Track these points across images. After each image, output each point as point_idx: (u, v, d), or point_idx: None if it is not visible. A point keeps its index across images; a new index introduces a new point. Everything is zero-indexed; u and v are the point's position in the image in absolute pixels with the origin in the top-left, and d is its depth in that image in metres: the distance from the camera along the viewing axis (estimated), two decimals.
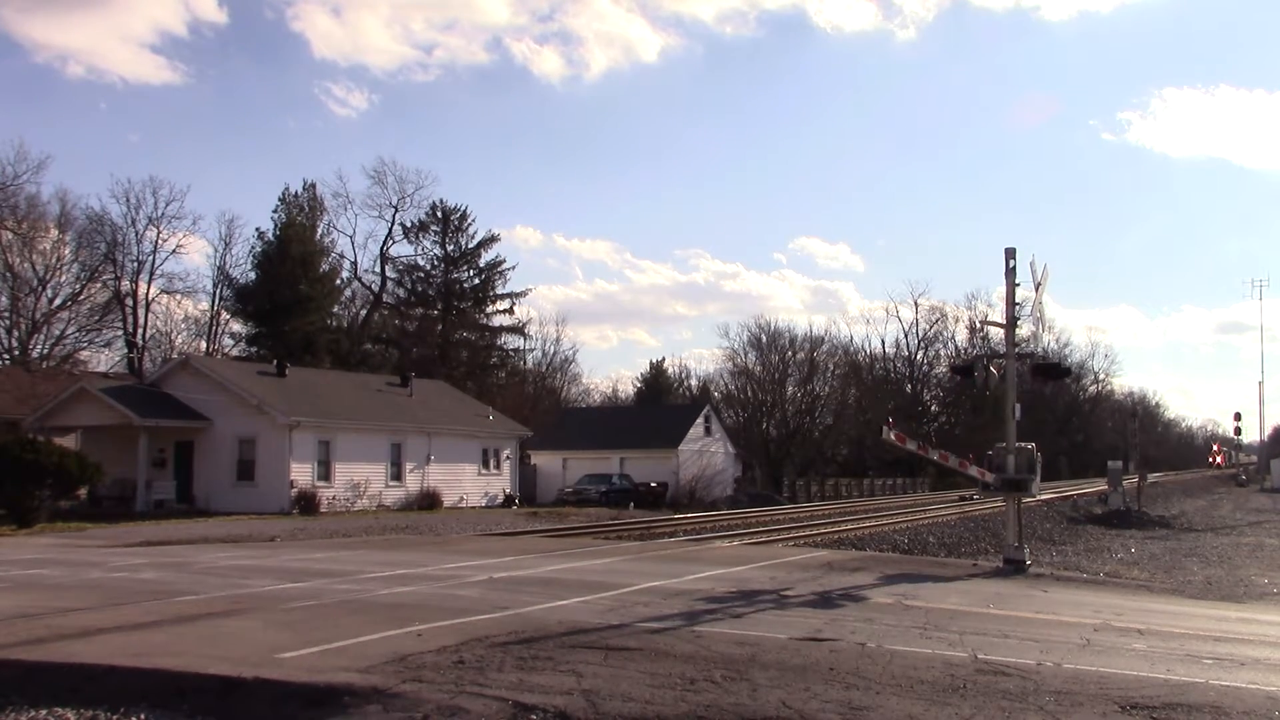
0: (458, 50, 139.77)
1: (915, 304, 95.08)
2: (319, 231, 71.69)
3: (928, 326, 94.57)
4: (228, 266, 67.74)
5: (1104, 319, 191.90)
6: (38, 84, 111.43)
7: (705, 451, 60.09)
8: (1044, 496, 34.95)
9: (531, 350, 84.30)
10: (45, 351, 59.36)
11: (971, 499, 38.03)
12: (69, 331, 61.42)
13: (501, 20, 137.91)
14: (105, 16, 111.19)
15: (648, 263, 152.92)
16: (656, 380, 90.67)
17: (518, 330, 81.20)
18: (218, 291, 67.76)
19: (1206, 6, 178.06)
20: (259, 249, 65.88)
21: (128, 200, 65.90)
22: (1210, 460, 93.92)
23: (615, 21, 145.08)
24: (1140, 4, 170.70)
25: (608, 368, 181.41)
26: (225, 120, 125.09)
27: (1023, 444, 19.18)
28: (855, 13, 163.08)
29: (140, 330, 63.73)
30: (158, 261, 64.25)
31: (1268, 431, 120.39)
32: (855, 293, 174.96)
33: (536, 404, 75.01)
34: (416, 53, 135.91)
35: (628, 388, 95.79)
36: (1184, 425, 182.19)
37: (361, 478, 40.35)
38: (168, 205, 64.41)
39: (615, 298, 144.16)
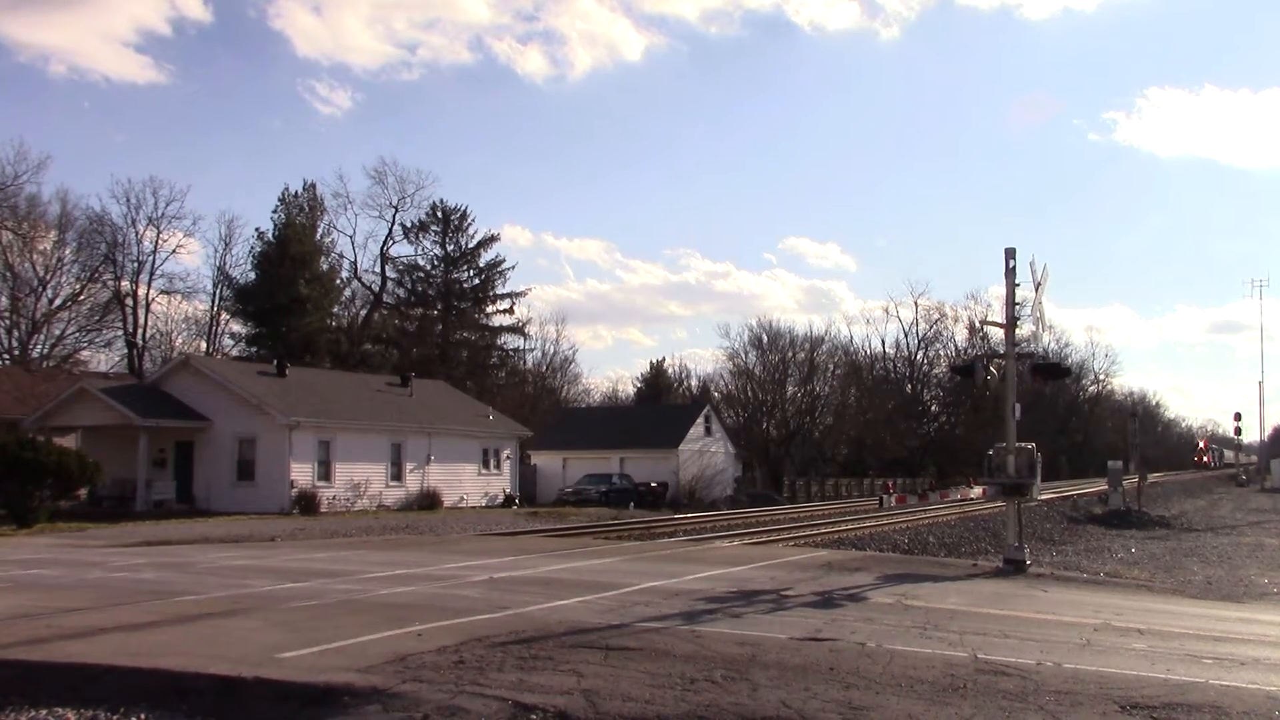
0: (440, 49, 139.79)
1: (915, 304, 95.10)
2: (319, 231, 71.75)
3: (927, 326, 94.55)
4: (227, 267, 67.89)
5: (1098, 318, 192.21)
6: (22, 84, 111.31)
7: (705, 451, 60.09)
8: (1044, 496, 34.92)
9: (531, 350, 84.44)
10: (45, 351, 59.41)
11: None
12: (69, 331, 61.55)
13: (484, 19, 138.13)
14: (86, 15, 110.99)
15: (638, 262, 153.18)
16: (656, 380, 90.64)
17: (518, 330, 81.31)
18: (218, 292, 67.88)
19: (1190, 5, 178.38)
20: (258, 249, 65.95)
21: (128, 200, 66.02)
22: (1196, 459, 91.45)
23: (599, 21, 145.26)
24: (1124, 2, 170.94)
25: (605, 368, 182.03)
26: (213, 119, 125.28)
27: (1023, 444, 19.16)
28: (836, 11, 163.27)
29: (140, 330, 63.80)
30: (158, 262, 64.42)
31: (1268, 431, 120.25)
32: (849, 292, 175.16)
33: (536, 404, 75.01)
34: (399, 52, 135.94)
35: (627, 388, 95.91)
36: (1183, 425, 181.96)
37: (361, 478, 40.35)
38: (167, 205, 64.59)
39: (608, 297, 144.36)
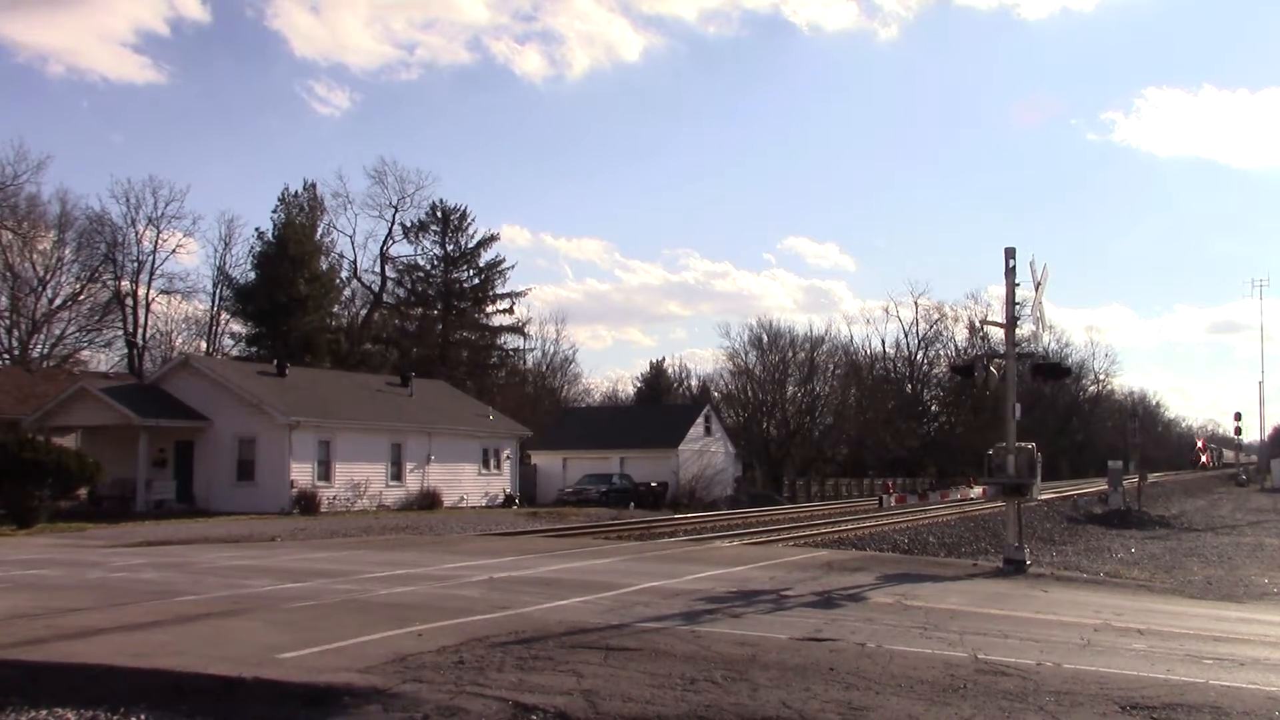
0: (439, 50, 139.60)
1: (915, 304, 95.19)
2: (319, 231, 71.75)
3: (927, 326, 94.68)
4: (227, 267, 67.92)
5: (1098, 318, 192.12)
6: (21, 84, 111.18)
7: (705, 451, 60.09)
8: (1044, 496, 34.93)
9: (531, 350, 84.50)
10: (45, 351, 59.42)
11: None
12: (69, 331, 61.62)
13: (482, 19, 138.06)
14: (84, 16, 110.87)
15: (637, 262, 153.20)
16: (656, 380, 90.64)
17: (517, 330, 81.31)
18: (217, 292, 67.90)
19: (1189, 5, 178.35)
20: (258, 249, 65.95)
21: (127, 200, 66.01)
22: (1192, 460, 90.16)
23: (597, 21, 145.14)
24: (1122, 2, 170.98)
25: (604, 368, 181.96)
26: (212, 119, 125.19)
27: (1023, 444, 19.15)
28: (834, 11, 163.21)
29: (140, 330, 63.84)
30: (157, 262, 64.44)
31: (1268, 431, 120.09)
32: (848, 292, 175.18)
33: (536, 404, 75.04)
34: (398, 52, 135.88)
35: (627, 388, 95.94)
36: (1184, 425, 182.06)
37: (361, 478, 40.34)
38: (167, 205, 64.60)
39: (607, 297, 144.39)
